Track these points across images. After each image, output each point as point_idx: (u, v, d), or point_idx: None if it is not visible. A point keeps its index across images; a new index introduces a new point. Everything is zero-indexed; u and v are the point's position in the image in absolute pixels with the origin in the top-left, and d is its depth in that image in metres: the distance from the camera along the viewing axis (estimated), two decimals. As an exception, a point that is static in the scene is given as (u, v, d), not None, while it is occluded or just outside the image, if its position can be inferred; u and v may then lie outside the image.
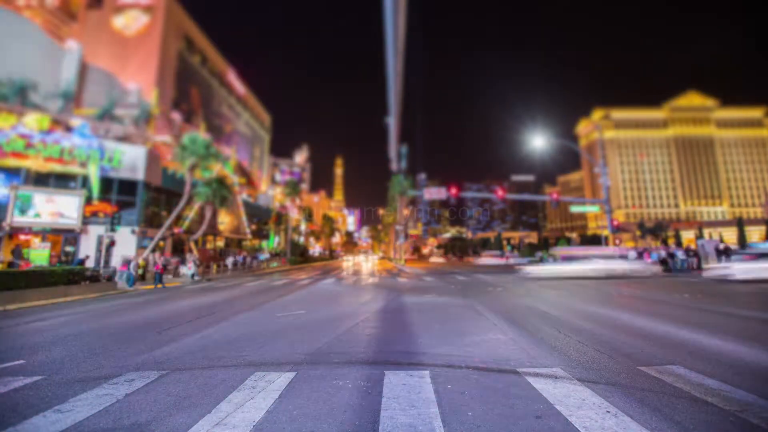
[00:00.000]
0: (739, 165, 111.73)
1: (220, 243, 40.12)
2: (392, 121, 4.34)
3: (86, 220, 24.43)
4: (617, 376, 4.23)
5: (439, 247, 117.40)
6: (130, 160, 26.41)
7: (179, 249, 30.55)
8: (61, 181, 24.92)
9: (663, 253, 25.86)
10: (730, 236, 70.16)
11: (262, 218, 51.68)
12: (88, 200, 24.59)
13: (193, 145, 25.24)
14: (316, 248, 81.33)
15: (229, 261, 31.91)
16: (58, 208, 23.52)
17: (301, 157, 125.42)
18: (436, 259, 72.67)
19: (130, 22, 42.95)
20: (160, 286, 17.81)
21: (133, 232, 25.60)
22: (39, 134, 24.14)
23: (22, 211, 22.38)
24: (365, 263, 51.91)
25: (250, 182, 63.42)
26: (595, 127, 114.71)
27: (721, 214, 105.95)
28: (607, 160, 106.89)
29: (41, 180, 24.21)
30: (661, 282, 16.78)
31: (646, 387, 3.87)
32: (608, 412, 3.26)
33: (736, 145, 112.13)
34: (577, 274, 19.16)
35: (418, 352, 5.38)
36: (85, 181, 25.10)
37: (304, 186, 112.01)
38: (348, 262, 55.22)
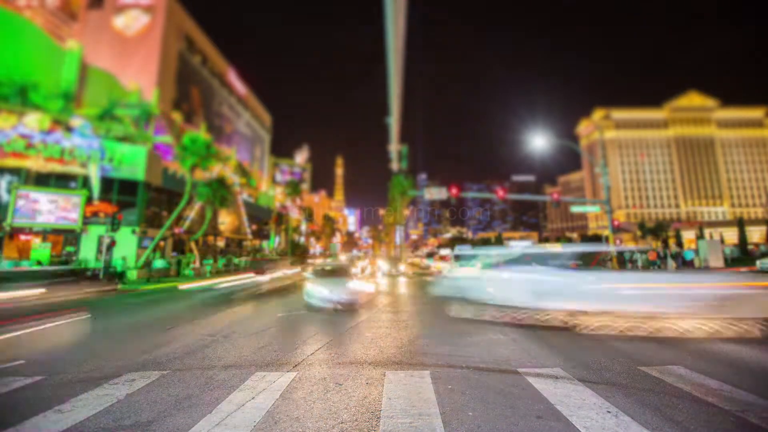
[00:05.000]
0: (740, 165, 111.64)
1: (221, 243, 40.15)
2: (393, 121, 4.34)
3: (87, 220, 24.43)
4: (618, 376, 4.23)
5: (439, 247, 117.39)
6: (131, 160, 26.45)
7: (180, 249, 30.55)
8: (62, 181, 24.94)
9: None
10: (731, 236, 70.10)
11: (262, 218, 51.68)
12: (89, 200, 24.60)
13: (193, 145, 25.27)
14: (317, 248, 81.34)
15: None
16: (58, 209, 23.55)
17: (301, 157, 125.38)
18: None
19: (130, 22, 42.98)
20: None
21: (133, 232, 25.60)
22: (39, 134, 24.16)
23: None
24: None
25: (249, 182, 63.40)
26: (596, 127, 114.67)
27: (722, 215, 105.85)
28: (608, 160, 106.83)
29: (42, 180, 24.22)
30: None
31: (646, 387, 3.87)
32: (609, 412, 3.25)
33: (736, 146, 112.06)
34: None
35: (418, 353, 5.38)
36: (85, 181, 25.12)
37: (305, 186, 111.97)
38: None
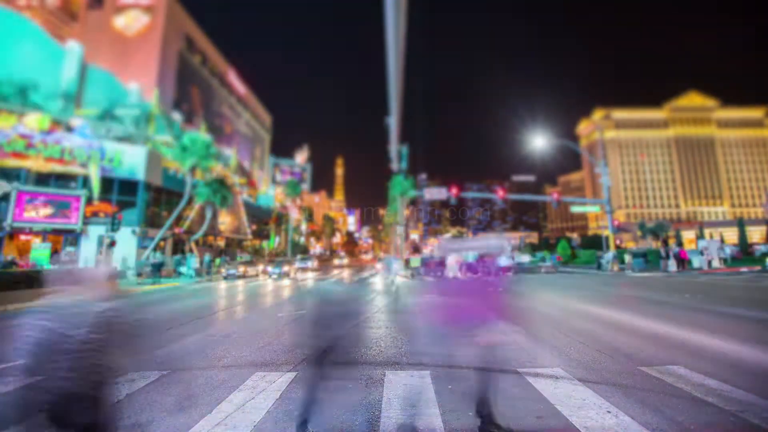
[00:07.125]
0: (740, 165, 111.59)
1: (221, 243, 40.15)
2: (393, 121, 4.34)
3: (87, 221, 24.43)
4: (618, 376, 4.23)
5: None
6: (131, 160, 26.44)
7: (180, 249, 30.56)
8: (62, 181, 24.93)
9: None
10: (731, 236, 70.10)
11: (262, 218, 51.70)
12: (89, 200, 24.59)
13: (193, 145, 25.30)
14: (316, 248, 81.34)
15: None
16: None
17: (301, 157, 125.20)
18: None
19: (130, 22, 43.00)
20: None
21: (133, 232, 25.60)
22: (39, 134, 24.17)
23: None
24: None
25: (250, 182, 63.45)
26: (596, 127, 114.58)
27: (722, 215, 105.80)
28: (608, 160, 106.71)
29: (42, 180, 24.22)
30: (661, 282, 16.76)
31: (646, 387, 3.86)
32: (609, 412, 3.25)
33: (736, 145, 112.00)
34: None
35: (418, 353, 5.38)
36: (85, 182, 25.12)
37: (305, 186, 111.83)
38: None
